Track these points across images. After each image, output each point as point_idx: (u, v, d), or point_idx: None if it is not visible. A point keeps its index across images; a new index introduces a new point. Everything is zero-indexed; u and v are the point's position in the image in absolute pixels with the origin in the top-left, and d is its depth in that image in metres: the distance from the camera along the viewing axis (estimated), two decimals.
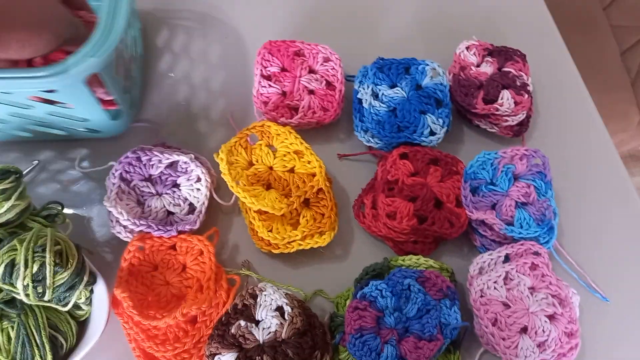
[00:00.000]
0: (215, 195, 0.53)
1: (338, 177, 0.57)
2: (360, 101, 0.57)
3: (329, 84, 0.57)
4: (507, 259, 0.51)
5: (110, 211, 0.50)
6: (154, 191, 0.52)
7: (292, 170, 0.52)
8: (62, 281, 0.43)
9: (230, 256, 0.54)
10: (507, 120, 0.56)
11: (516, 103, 0.56)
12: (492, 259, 0.50)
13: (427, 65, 0.57)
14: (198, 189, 0.52)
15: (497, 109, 0.55)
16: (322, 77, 0.57)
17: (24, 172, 0.51)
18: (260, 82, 0.56)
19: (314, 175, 0.52)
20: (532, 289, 0.49)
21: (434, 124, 0.54)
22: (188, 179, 0.52)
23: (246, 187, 0.50)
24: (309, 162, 0.52)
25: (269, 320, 0.46)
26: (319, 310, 0.51)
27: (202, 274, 0.48)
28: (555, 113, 0.62)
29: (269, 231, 0.50)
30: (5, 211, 0.45)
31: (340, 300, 0.51)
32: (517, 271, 0.49)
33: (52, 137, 0.56)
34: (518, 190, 0.52)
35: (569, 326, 0.47)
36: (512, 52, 0.59)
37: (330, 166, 0.57)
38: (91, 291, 0.46)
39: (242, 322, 0.46)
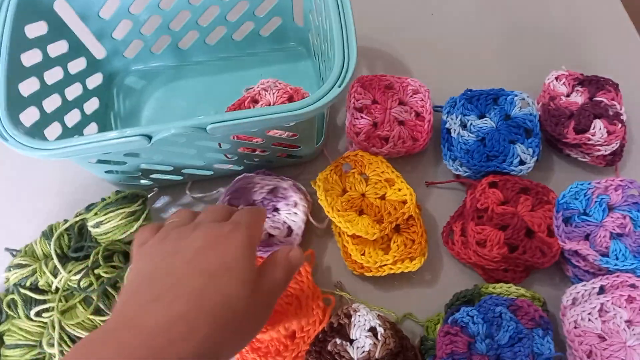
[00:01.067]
0: (311, 219, 0.57)
1: (426, 205, 0.60)
2: (448, 131, 0.59)
3: (417, 115, 0.60)
4: (601, 290, 0.50)
5: None
6: None
7: (383, 197, 0.55)
8: None
9: (324, 277, 0.57)
10: (599, 150, 0.56)
11: (609, 132, 0.55)
12: (586, 290, 0.50)
13: (516, 95, 0.58)
14: (296, 213, 0.56)
15: (589, 139, 0.55)
16: (412, 108, 0.60)
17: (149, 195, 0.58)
18: (353, 114, 0.60)
19: (404, 202, 0.54)
20: (629, 322, 0.48)
21: (524, 153, 0.55)
22: (287, 204, 0.57)
23: (341, 213, 0.53)
24: (399, 190, 0.55)
25: (362, 340, 0.48)
26: (409, 333, 0.53)
27: (301, 292, 0.52)
28: None
29: (361, 255, 0.53)
30: (135, 230, 0.52)
31: (430, 325, 0.52)
32: (612, 303, 0.48)
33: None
34: (613, 221, 0.51)
35: None
36: (604, 82, 0.59)
37: (418, 193, 0.59)
38: None
39: (338, 340, 0.49)
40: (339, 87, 0.49)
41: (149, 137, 0.48)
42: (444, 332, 0.48)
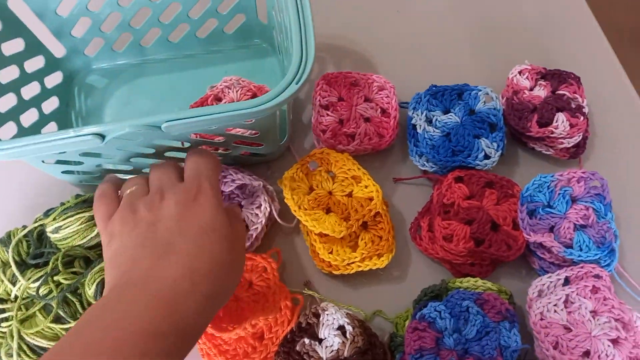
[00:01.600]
0: (277, 218, 0.56)
1: (394, 201, 0.59)
2: (414, 127, 0.59)
3: (383, 112, 0.60)
4: (566, 281, 0.51)
5: None
6: None
7: (350, 195, 0.55)
8: None
9: (293, 276, 0.57)
10: (562, 143, 0.57)
11: (571, 125, 0.56)
12: (551, 282, 0.50)
13: (480, 90, 0.58)
14: (257, 215, 0.55)
15: (552, 132, 0.56)
16: (377, 105, 0.60)
17: None
18: (319, 111, 0.59)
19: (371, 199, 0.54)
20: (593, 312, 0.49)
21: (488, 147, 0.56)
22: (251, 203, 0.56)
23: (308, 212, 0.53)
24: (366, 187, 0.55)
25: (331, 339, 0.48)
26: (378, 330, 0.53)
27: (268, 289, 0.51)
28: (612, 133, 0.61)
29: (329, 253, 0.53)
30: (95, 235, 0.50)
31: (399, 321, 0.52)
32: (577, 294, 0.49)
33: None
34: (576, 212, 0.52)
35: (633, 351, 0.47)
36: (566, 75, 0.59)
37: (386, 190, 0.59)
38: None
39: (307, 340, 0.48)
40: (297, 83, 0.48)
41: (102, 136, 0.47)
42: (412, 328, 0.48)
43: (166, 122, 0.46)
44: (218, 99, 0.61)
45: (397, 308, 0.53)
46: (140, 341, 0.34)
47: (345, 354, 0.47)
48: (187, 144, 0.53)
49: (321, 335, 0.49)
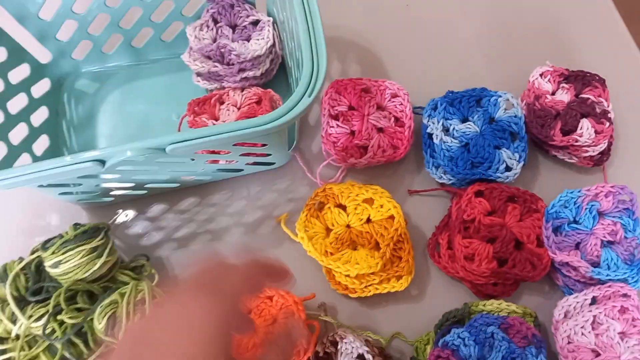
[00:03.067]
0: (278, 50, 0.58)
1: (410, 213, 0.57)
2: (430, 136, 0.56)
3: (397, 120, 0.56)
4: (593, 301, 0.49)
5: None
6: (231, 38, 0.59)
7: (369, 220, 0.52)
8: None
9: (303, 295, 0.54)
10: (587, 151, 0.54)
11: (597, 132, 0.53)
12: (578, 302, 0.49)
13: (500, 96, 0.55)
14: (262, 41, 0.57)
15: (577, 140, 0.53)
16: (390, 113, 0.56)
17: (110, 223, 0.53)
18: (328, 122, 0.56)
19: (392, 217, 0.51)
20: (622, 334, 0.47)
21: (510, 158, 0.53)
22: (259, 34, 0.58)
23: (335, 257, 0.50)
24: (381, 206, 0.52)
25: None
26: (398, 352, 0.51)
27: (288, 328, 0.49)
28: (638, 138, 0.58)
29: (346, 276, 0.50)
30: (98, 268, 0.47)
31: (419, 345, 0.50)
32: (605, 315, 0.47)
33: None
34: (604, 228, 0.50)
35: None
36: (590, 77, 0.56)
37: (401, 202, 0.56)
38: None
39: None
40: (309, 96, 0.45)
41: (103, 162, 0.44)
42: (434, 356, 0.46)
43: (170, 144, 0.43)
44: (221, 102, 0.57)
45: (417, 329, 0.52)
46: None
47: None
48: (190, 161, 0.50)
49: None
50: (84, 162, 0.43)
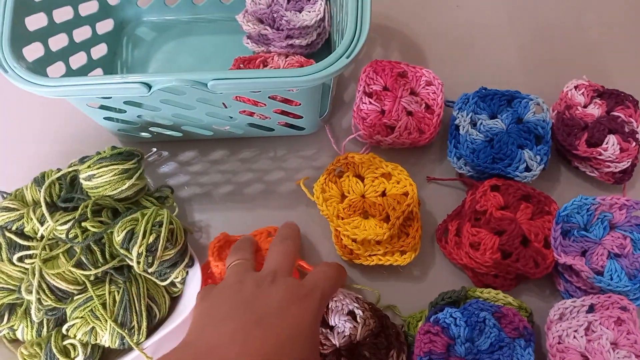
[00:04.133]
0: (327, 25, 0.59)
1: (425, 200, 0.58)
2: (457, 127, 0.57)
3: (428, 107, 0.58)
4: (591, 309, 0.49)
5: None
6: (285, 7, 0.61)
7: (384, 194, 0.54)
8: (168, 257, 0.48)
9: (309, 258, 0.56)
10: (609, 166, 0.55)
11: (622, 149, 0.54)
12: (575, 307, 0.49)
13: (532, 100, 0.56)
14: (313, 11, 0.60)
15: (601, 154, 0.54)
16: (422, 99, 0.58)
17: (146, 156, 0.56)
18: (362, 98, 0.58)
19: (406, 194, 0.53)
20: (614, 344, 0.47)
21: (531, 160, 0.54)
22: (312, 7, 0.60)
23: (346, 220, 0.52)
24: (398, 182, 0.54)
25: (342, 325, 0.48)
26: None
27: None
28: None
29: (353, 241, 0.52)
30: (126, 188, 0.51)
31: (412, 321, 0.52)
32: (600, 323, 0.48)
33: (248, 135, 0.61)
34: (613, 240, 0.50)
35: None
36: (624, 97, 0.57)
37: (418, 187, 0.57)
38: (187, 272, 0.51)
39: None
40: (347, 57, 0.47)
41: (149, 86, 0.47)
42: (424, 330, 0.48)
43: (213, 79, 0.46)
44: (264, 64, 0.60)
45: (412, 307, 0.53)
46: None
47: (358, 337, 0.47)
48: (227, 105, 0.53)
49: (332, 323, 0.48)
50: (133, 82, 0.46)
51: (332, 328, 0.48)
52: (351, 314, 0.48)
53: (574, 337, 0.47)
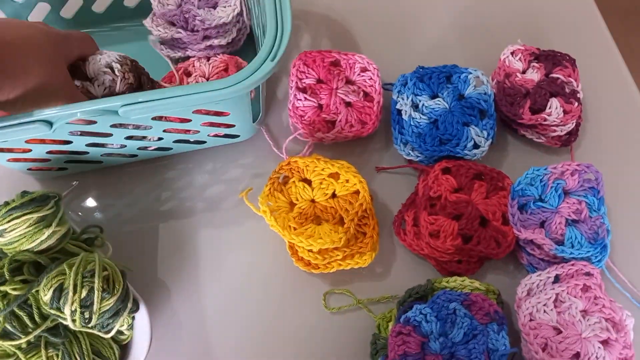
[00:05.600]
0: (247, 19, 0.56)
1: (377, 191, 0.56)
2: (399, 112, 0.54)
3: (366, 95, 0.55)
4: (556, 279, 0.49)
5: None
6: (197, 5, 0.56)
7: (334, 195, 0.51)
8: (108, 307, 0.42)
9: (264, 273, 0.53)
10: (555, 130, 0.54)
11: (565, 112, 0.53)
12: (541, 280, 0.48)
13: (470, 73, 0.54)
14: (229, 5, 0.55)
15: (545, 119, 0.53)
16: (360, 88, 0.55)
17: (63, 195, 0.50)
18: (295, 94, 0.54)
19: (357, 192, 0.50)
20: (584, 312, 0.47)
21: (478, 136, 0.52)
22: (226, 1, 0.56)
23: (298, 231, 0.48)
24: (347, 181, 0.51)
25: (101, 77, 0.48)
26: (361, 330, 0.50)
27: None
28: (606, 120, 0.59)
29: (309, 251, 0.49)
30: (46, 238, 0.45)
31: (382, 322, 0.49)
32: (568, 293, 0.47)
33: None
34: (569, 206, 0.49)
35: (623, 352, 0.45)
36: (561, 57, 0.55)
37: (368, 180, 0.54)
38: (133, 317, 0.46)
39: (77, 82, 0.48)
40: (272, 60, 0.43)
41: (50, 123, 0.41)
42: (396, 332, 0.45)
43: (123, 105, 0.41)
44: (187, 74, 0.55)
45: (380, 306, 0.51)
46: None
47: (117, 89, 0.48)
48: (147, 127, 0.48)
49: (90, 75, 0.48)
50: (29, 121, 0.40)
51: (91, 80, 0.48)
52: (109, 67, 0.48)
53: (544, 311, 0.47)
